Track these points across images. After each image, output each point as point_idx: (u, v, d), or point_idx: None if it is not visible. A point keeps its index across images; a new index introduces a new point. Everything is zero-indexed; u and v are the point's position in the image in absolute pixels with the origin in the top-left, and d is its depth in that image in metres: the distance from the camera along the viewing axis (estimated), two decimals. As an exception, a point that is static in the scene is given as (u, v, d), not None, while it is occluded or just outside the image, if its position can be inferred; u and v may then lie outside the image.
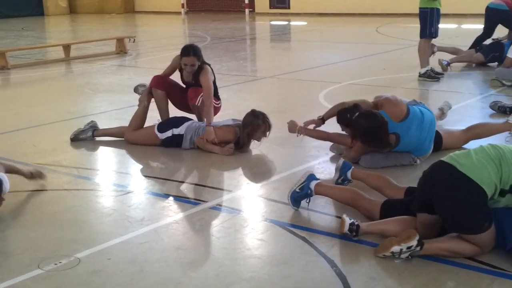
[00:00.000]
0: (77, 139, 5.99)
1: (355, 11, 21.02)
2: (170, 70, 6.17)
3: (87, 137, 5.99)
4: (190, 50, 5.86)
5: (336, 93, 8.06)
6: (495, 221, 3.28)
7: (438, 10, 8.52)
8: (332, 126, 5.36)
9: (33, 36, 17.77)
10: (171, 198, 4.47)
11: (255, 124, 5.42)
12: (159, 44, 14.56)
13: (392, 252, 3.29)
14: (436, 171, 3.40)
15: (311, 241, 3.60)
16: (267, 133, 5.51)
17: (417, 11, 8.71)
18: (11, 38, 16.71)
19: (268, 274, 3.27)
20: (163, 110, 6.11)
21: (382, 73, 9.22)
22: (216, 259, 3.47)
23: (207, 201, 4.34)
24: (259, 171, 5.10)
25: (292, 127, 5.41)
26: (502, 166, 3.23)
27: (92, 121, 6.14)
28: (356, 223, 3.55)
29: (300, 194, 4.08)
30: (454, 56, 9.73)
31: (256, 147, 5.57)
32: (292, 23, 20.10)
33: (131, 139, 5.83)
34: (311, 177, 4.12)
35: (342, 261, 3.36)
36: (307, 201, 4.09)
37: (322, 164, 5.14)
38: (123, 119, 6.58)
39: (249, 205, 4.34)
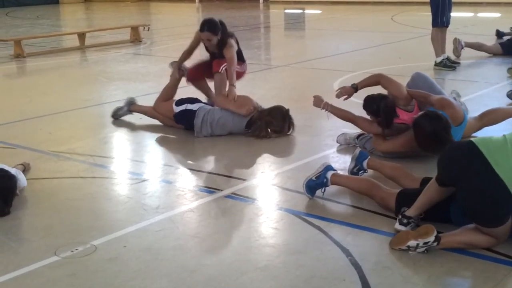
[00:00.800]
0: (116, 117, 6.25)
1: (369, -1, 20.87)
2: (194, 45, 6.31)
3: (124, 113, 6.24)
4: (204, 26, 6.00)
5: (351, 82, 8.00)
6: None
7: None
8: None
9: (48, 24, 17.84)
10: (186, 186, 4.48)
11: (277, 120, 5.52)
12: (173, 33, 14.56)
13: (408, 246, 3.27)
14: (468, 157, 3.24)
15: (326, 230, 3.60)
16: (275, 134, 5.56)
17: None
18: (26, 27, 16.79)
19: (282, 263, 3.28)
20: (206, 91, 6.38)
21: (398, 62, 9.15)
22: (231, 248, 3.49)
23: (222, 190, 4.35)
24: (273, 160, 5.10)
25: (318, 102, 5.23)
26: None
27: (129, 97, 6.37)
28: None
29: (316, 183, 4.08)
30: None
31: (271, 138, 5.56)
32: (306, 11, 19.99)
33: (155, 107, 6.04)
34: (328, 167, 4.11)
35: (357, 250, 3.35)
36: (322, 190, 4.08)
37: (337, 153, 5.13)
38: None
39: (264, 194, 4.35)
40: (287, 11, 20.40)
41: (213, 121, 5.58)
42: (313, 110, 5.55)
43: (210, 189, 4.38)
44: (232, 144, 5.39)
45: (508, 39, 9.85)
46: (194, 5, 23.61)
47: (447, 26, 8.60)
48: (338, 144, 5.30)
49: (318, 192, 4.09)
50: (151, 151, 5.50)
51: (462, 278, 3.13)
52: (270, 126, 5.54)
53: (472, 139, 3.31)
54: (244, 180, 4.57)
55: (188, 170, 4.90)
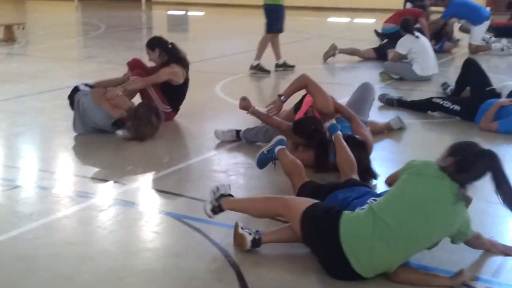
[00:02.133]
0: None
1: (252, 2, 21.17)
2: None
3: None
4: (148, 41, 6.15)
5: (233, 85, 8.14)
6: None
7: (282, 6, 8.79)
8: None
9: None
10: (62, 192, 4.35)
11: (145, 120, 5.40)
12: (50, 32, 14.01)
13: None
14: (325, 226, 3.11)
15: (206, 232, 3.63)
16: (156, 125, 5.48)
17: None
18: None
19: (161, 266, 3.27)
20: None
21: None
22: (109, 253, 3.43)
23: (100, 195, 4.27)
24: (153, 163, 5.06)
25: (245, 107, 5.11)
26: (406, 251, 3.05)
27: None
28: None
29: (266, 156, 4.23)
30: (355, 55, 10.08)
31: (150, 141, 5.52)
32: (189, 13, 19.98)
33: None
34: (280, 142, 4.21)
35: (235, 251, 3.41)
36: (273, 163, 4.25)
37: (218, 155, 5.18)
38: (10, 111, 6.31)
39: (144, 198, 4.31)
40: (170, 12, 20.27)
41: (83, 107, 5.49)
42: (193, 113, 5.57)
43: (88, 194, 4.27)
44: (110, 148, 5.28)
45: (380, 45, 10.40)
46: (73, 3, 22.83)
47: (281, 32, 8.91)
48: (217, 148, 5.33)
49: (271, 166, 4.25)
50: (25, 156, 5.28)
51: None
52: (138, 130, 5.41)
53: (342, 217, 3.10)
54: (123, 184, 4.50)
55: (65, 176, 4.75)
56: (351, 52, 10.11)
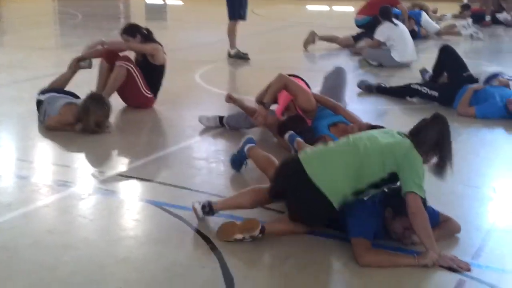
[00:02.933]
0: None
1: (231, -9, 21.06)
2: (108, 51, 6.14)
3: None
4: (124, 28, 6.12)
5: (212, 73, 8.11)
6: (343, 212, 3.33)
7: None
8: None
9: None
10: (41, 181, 4.30)
11: (92, 110, 5.22)
12: (27, 21, 13.82)
13: (235, 239, 3.34)
14: (289, 167, 3.42)
15: (187, 219, 3.62)
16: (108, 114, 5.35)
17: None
18: None
19: (143, 254, 3.27)
20: (101, 81, 6.04)
21: (257, 53, 9.36)
22: (90, 242, 3.41)
23: (79, 184, 4.24)
24: (133, 151, 5.02)
25: (229, 100, 5.24)
26: (358, 172, 3.26)
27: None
28: (207, 204, 3.52)
29: (237, 158, 4.22)
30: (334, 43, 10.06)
31: (130, 128, 5.49)
32: (168, 2, 19.82)
33: None
34: (248, 140, 4.20)
35: (216, 236, 3.41)
36: (245, 163, 4.23)
37: (198, 143, 5.18)
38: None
39: (124, 186, 4.28)
40: (148, 1, 20.08)
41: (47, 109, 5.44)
42: (173, 101, 5.53)
43: (67, 183, 4.24)
44: (89, 137, 5.22)
45: (358, 33, 10.36)
46: (49, -7, 22.53)
47: (244, 20, 8.89)
48: (197, 136, 5.32)
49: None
50: (4, 145, 5.22)
51: (317, 257, 3.28)
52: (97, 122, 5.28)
53: (300, 154, 3.46)
54: (103, 172, 4.48)
55: (44, 165, 4.71)
56: (331, 39, 10.11)
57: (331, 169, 3.29)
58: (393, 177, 3.27)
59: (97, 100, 5.29)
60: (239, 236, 3.31)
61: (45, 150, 5.13)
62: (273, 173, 3.57)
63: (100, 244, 3.38)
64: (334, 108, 4.91)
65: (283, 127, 4.68)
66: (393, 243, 3.32)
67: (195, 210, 3.54)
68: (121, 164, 4.74)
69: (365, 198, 3.35)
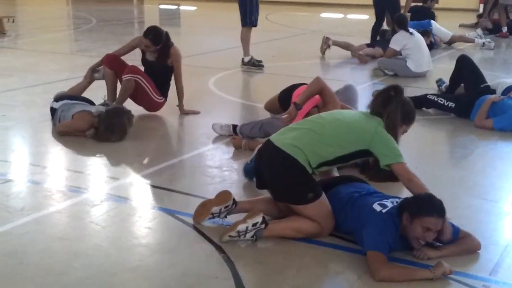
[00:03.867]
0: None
1: (245, -2, 21.07)
2: (127, 49, 6.23)
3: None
4: (149, 33, 6.03)
5: (226, 80, 8.09)
6: (359, 224, 3.34)
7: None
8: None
9: None
10: (54, 186, 4.28)
11: (116, 125, 5.22)
12: (41, 25, 13.90)
13: (238, 231, 3.34)
14: (262, 148, 3.63)
15: (199, 228, 3.59)
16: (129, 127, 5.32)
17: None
18: None
19: (155, 263, 3.23)
20: (109, 88, 6.06)
21: (272, 60, 9.33)
22: (101, 249, 3.37)
23: (92, 189, 4.21)
24: (147, 159, 5.00)
25: (236, 145, 5.10)
26: (322, 138, 3.42)
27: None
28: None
29: (250, 166, 4.21)
30: (349, 50, 10.01)
31: (143, 136, 5.46)
32: (181, 7, 19.88)
33: None
34: None
35: (230, 247, 3.36)
36: None
37: (212, 151, 5.13)
38: (0, 104, 6.24)
39: (137, 193, 4.25)
40: (161, 6, 20.15)
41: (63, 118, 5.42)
42: (186, 108, 5.49)
43: (80, 189, 4.21)
44: (102, 144, 5.19)
45: (372, 42, 10.32)
46: (64, -3, 22.67)
47: (255, 26, 8.85)
48: (210, 143, 5.28)
49: None
50: (17, 150, 5.21)
51: (331, 269, 3.24)
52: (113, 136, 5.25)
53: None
54: (116, 179, 4.45)
55: (57, 170, 4.69)
56: (344, 46, 10.06)
57: (297, 138, 3.43)
58: (362, 153, 3.44)
59: (119, 115, 5.25)
60: (242, 226, 3.35)
61: (58, 155, 5.11)
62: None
63: (111, 251, 3.34)
64: None
65: None
66: (409, 257, 3.26)
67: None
68: (134, 171, 4.70)
69: (383, 211, 3.30)
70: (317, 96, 4.94)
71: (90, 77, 6.10)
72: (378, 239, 3.17)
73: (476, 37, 11.39)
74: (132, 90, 5.86)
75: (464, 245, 3.34)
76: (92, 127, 5.26)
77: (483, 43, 11.08)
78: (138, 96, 5.97)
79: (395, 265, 3.17)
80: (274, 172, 3.47)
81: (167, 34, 6.09)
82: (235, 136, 5.18)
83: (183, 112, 6.09)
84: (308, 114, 4.97)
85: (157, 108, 6.09)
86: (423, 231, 3.19)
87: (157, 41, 6.00)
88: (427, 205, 3.20)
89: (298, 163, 3.36)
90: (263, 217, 3.37)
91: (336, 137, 3.43)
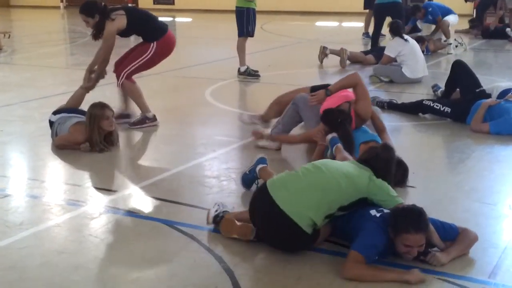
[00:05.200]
0: None
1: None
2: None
3: None
4: (82, 7, 5.85)
5: (222, 90, 8.11)
6: (355, 229, 3.34)
7: (253, 10, 8.75)
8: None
9: None
10: (52, 200, 4.28)
11: (97, 115, 5.19)
12: (37, 40, 13.93)
13: (233, 237, 3.49)
14: (258, 199, 3.46)
15: (199, 239, 3.59)
16: (112, 118, 5.28)
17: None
18: None
19: (155, 274, 3.23)
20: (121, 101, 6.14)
21: (267, 70, 9.36)
22: (100, 262, 3.37)
23: (91, 202, 4.21)
24: (145, 170, 5.01)
25: (257, 136, 5.18)
26: (326, 194, 3.32)
27: None
28: (220, 214, 3.63)
29: (248, 177, 4.20)
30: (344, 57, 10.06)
31: (140, 147, 5.46)
32: (177, 19, 19.94)
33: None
34: (260, 160, 4.18)
35: (229, 257, 3.37)
36: (256, 183, 4.17)
37: (209, 161, 5.14)
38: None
39: (136, 205, 4.25)
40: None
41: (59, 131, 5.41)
42: (183, 119, 5.48)
43: (78, 202, 4.22)
44: (100, 155, 5.20)
45: (368, 49, 10.38)
46: (58, 11, 22.74)
47: (251, 36, 8.89)
48: (212, 151, 5.29)
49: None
50: (15, 165, 5.21)
51: (330, 277, 3.23)
52: (102, 129, 5.24)
53: (268, 183, 3.46)
54: (114, 191, 4.45)
55: (55, 184, 4.69)
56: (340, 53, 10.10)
57: (298, 196, 3.32)
58: (361, 200, 3.42)
59: (99, 105, 5.26)
60: (235, 236, 3.47)
61: (56, 169, 5.11)
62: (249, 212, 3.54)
63: (111, 264, 3.34)
64: (380, 129, 4.98)
65: (330, 114, 4.62)
66: (400, 260, 3.27)
67: (208, 214, 3.65)
68: (132, 182, 4.70)
69: (377, 215, 3.31)
70: (350, 93, 4.94)
71: (89, 79, 5.96)
72: (367, 242, 3.19)
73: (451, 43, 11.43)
74: (132, 90, 5.83)
75: (466, 240, 3.36)
76: (87, 140, 5.25)
77: (456, 45, 11.29)
78: (145, 65, 5.93)
79: (370, 266, 3.17)
80: (271, 230, 3.38)
81: (105, 7, 5.85)
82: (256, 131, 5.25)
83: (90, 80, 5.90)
84: (338, 106, 4.95)
85: (163, 46, 6.04)
86: (405, 247, 3.20)
87: (90, 12, 5.79)
88: (402, 221, 3.19)
89: (297, 226, 3.26)
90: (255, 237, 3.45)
91: (340, 192, 3.37)
